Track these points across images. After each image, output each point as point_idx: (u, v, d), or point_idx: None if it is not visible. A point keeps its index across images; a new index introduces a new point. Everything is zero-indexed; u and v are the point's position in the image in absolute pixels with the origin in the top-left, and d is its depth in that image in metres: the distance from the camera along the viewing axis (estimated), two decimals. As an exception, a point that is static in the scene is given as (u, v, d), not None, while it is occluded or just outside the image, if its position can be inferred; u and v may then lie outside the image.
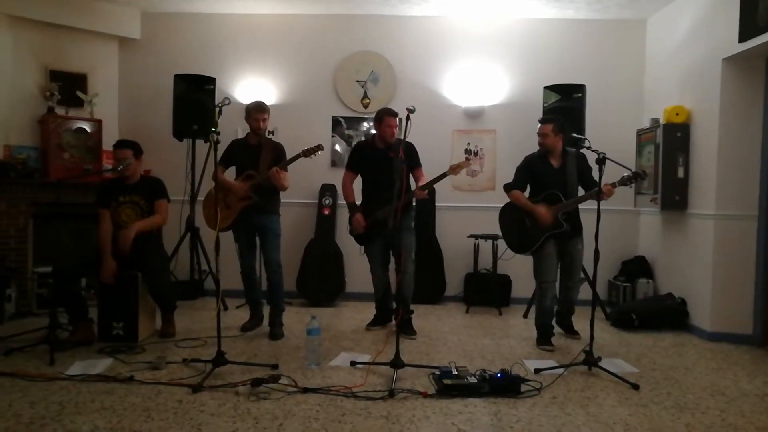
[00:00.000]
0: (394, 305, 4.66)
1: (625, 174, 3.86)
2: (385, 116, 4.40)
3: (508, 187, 4.39)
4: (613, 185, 3.88)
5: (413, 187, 4.42)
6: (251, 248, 4.49)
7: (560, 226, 4.13)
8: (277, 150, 4.43)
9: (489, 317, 5.26)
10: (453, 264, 5.85)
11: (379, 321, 4.72)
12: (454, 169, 4.15)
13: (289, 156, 4.32)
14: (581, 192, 4.23)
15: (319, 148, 4.20)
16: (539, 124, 4.28)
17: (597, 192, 3.77)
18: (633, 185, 4.06)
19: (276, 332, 4.33)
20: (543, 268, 4.26)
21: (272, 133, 5.74)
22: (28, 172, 5.12)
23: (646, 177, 4.03)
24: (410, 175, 4.41)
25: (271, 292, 4.45)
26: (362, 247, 4.62)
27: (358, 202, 4.59)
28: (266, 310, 4.54)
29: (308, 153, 4.22)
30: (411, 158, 4.38)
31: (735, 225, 4.49)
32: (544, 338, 4.27)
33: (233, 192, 4.30)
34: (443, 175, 4.23)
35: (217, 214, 3.77)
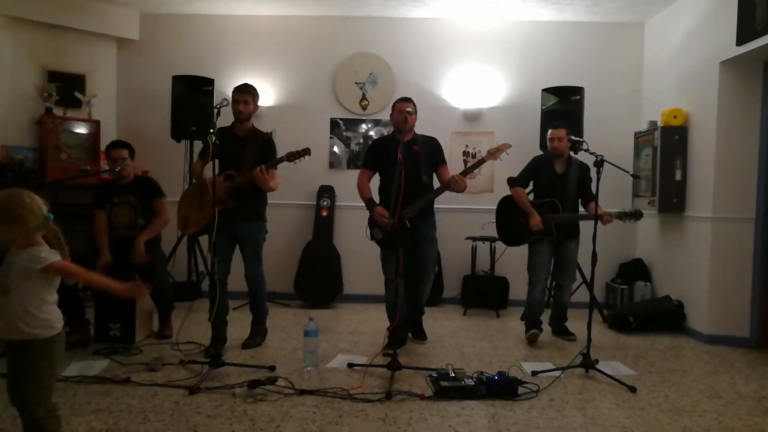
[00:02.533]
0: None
1: (627, 210, 4.07)
2: (396, 102, 4.04)
3: (512, 182, 4.48)
4: (611, 216, 4.05)
5: (434, 189, 4.09)
6: (226, 257, 3.92)
7: (550, 234, 4.26)
8: (266, 145, 3.95)
9: (486, 319, 5.26)
10: (450, 266, 5.85)
11: (396, 342, 3.70)
12: (493, 154, 3.83)
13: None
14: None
15: (306, 152, 3.70)
16: (551, 129, 4.41)
17: (590, 216, 3.93)
18: (628, 221, 4.11)
19: (255, 340, 4.05)
20: (534, 264, 4.44)
21: (271, 134, 5.72)
22: (25, 173, 5.11)
23: (640, 217, 4.09)
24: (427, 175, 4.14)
25: (252, 302, 4.13)
26: (380, 253, 4.15)
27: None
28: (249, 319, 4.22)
29: (293, 157, 3.71)
30: (435, 155, 4.15)
31: (732, 228, 4.50)
32: (529, 327, 4.38)
33: (210, 192, 3.70)
34: (481, 161, 3.92)
35: (190, 216, 3.66)
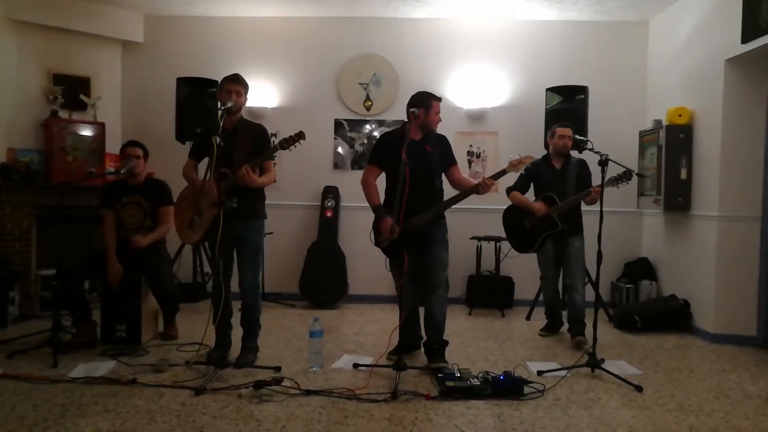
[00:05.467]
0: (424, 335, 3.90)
1: (614, 175, 3.97)
2: (432, 101, 3.69)
3: (509, 190, 4.59)
4: (599, 186, 3.81)
5: (446, 190, 3.83)
6: (229, 263, 3.72)
7: (555, 226, 4.30)
8: (257, 135, 3.66)
9: (492, 319, 5.26)
10: (455, 266, 5.77)
11: (403, 349, 3.83)
12: (515, 166, 3.64)
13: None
14: None
15: (299, 136, 3.43)
16: (559, 127, 4.44)
17: (586, 194, 4.07)
18: (621, 184, 4.06)
19: (247, 358, 3.67)
20: (540, 265, 4.62)
21: (275, 135, 5.74)
22: (31, 175, 5.14)
23: (631, 177, 3.98)
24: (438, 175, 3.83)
25: (244, 316, 3.74)
26: (386, 260, 3.81)
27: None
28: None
29: (286, 144, 3.43)
30: (448, 155, 3.83)
31: (738, 226, 4.48)
32: (547, 326, 4.67)
33: (206, 196, 3.48)
34: (502, 172, 3.67)
35: (189, 222, 3.57)
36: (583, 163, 4.48)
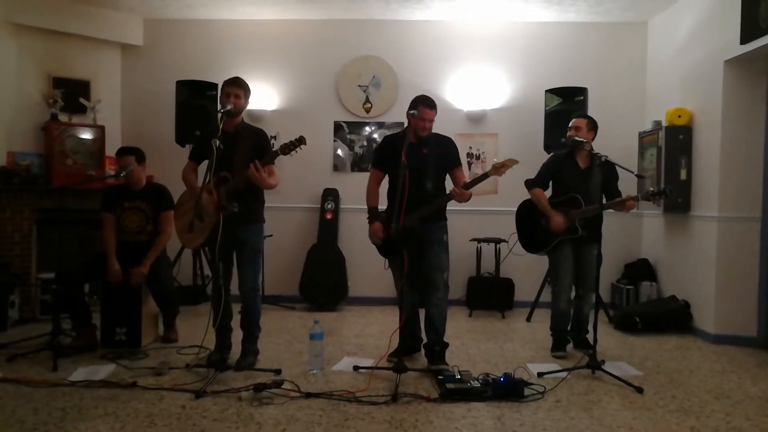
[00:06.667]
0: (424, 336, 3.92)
1: (651, 189, 3.73)
2: (419, 106, 3.65)
3: (529, 184, 4.20)
4: (636, 199, 3.74)
5: (446, 192, 3.76)
6: (229, 266, 3.72)
7: (575, 231, 3.97)
8: (257, 138, 3.66)
9: (492, 321, 5.25)
10: (455, 268, 5.76)
11: (403, 351, 3.70)
12: (498, 169, 3.50)
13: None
14: (604, 199, 4.06)
15: (300, 141, 3.36)
16: (573, 119, 4.13)
17: (618, 203, 3.78)
18: (657, 201, 3.87)
19: (247, 361, 3.68)
20: (557, 270, 4.15)
21: (275, 137, 5.74)
22: (31, 179, 5.14)
23: (670, 195, 3.69)
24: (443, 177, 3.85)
25: (244, 318, 3.74)
26: (386, 261, 3.89)
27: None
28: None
29: (287, 149, 3.38)
30: (449, 157, 3.81)
31: (738, 227, 4.48)
32: (556, 344, 4.16)
33: (204, 200, 3.48)
34: (485, 176, 3.57)
35: (189, 226, 3.56)
36: (610, 166, 3.92)
